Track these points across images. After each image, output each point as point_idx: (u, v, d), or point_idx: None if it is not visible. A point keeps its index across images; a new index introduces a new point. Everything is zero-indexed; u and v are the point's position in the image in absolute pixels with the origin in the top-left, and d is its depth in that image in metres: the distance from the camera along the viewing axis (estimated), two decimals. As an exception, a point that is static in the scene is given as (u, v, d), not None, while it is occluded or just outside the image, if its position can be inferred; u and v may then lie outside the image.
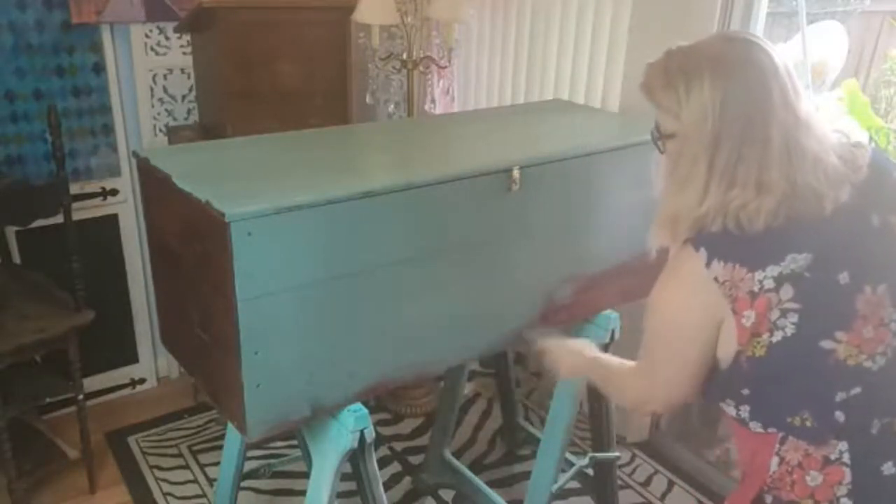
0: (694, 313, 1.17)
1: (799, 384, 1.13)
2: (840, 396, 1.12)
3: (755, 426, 1.18)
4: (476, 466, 2.68)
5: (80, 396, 2.46)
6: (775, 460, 1.17)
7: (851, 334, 1.11)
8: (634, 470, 2.68)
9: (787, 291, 1.10)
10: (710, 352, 1.19)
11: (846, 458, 1.13)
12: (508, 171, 1.62)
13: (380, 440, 2.71)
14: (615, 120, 2.31)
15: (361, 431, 1.54)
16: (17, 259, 2.71)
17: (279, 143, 1.79)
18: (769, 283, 1.10)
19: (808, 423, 1.13)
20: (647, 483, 2.63)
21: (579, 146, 1.82)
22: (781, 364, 1.13)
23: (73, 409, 2.52)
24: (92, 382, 2.89)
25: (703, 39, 1.21)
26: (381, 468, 1.74)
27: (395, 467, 2.70)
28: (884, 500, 1.15)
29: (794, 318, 1.10)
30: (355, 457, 1.62)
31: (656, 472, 2.68)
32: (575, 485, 2.39)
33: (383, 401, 3.01)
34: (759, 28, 2.23)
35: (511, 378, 2.65)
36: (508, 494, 2.50)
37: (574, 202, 1.79)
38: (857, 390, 1.12)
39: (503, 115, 2.33)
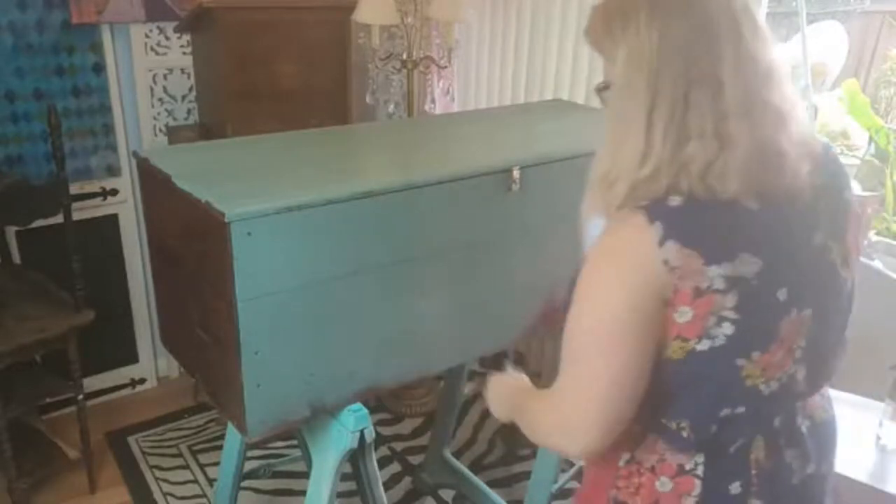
0: (636, 298, 0.97)
1: (694, 394, 1.03)
2: (724, 412, 1.04)
3: None
4: (476, 466, 2.68)
5: (80, 396, 2.47)
6: (626, 456, 1.10)
7: (765, 356, 1.01)
8: (634, 470, 2.68)
9: (732, 298, 0.97)
10: (650, 352, 0.99)
11: (700, 470, 1.06)
12: (508, 171, 1.62)
13: (380, 440, 2.71)
14: (615, 120, 2.31)
15: (361, 431, 1.54)
16: (17, 259, 2.71)
17: (279, 143, 1.79)
18: (719, 284, 0.96)
19: (685, 433, 1.05)
20: (647, 483, 2.62)
21: (579, 146, 1.81)
22: (690, 373, 1.01)
23: (73, 409, 2.53)
24: (92, 382, 2.89)
25: None
26: (381, 468, 1.75)
27: (395, 467, 2.70)
28: None
29: (729, 329, 0.98)
30: (355, 457, 1.62)
31: (656, 472, 2.67)
32: (575, 485, 2.38)
33: (383, 401, 3.01)
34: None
35: (511, 378, 2.65)
36: (508, 494, 2.50)
37: (574, 202, 1.78)
38: (741, 409, 1.04)
39: (503, 115, 2.33)
